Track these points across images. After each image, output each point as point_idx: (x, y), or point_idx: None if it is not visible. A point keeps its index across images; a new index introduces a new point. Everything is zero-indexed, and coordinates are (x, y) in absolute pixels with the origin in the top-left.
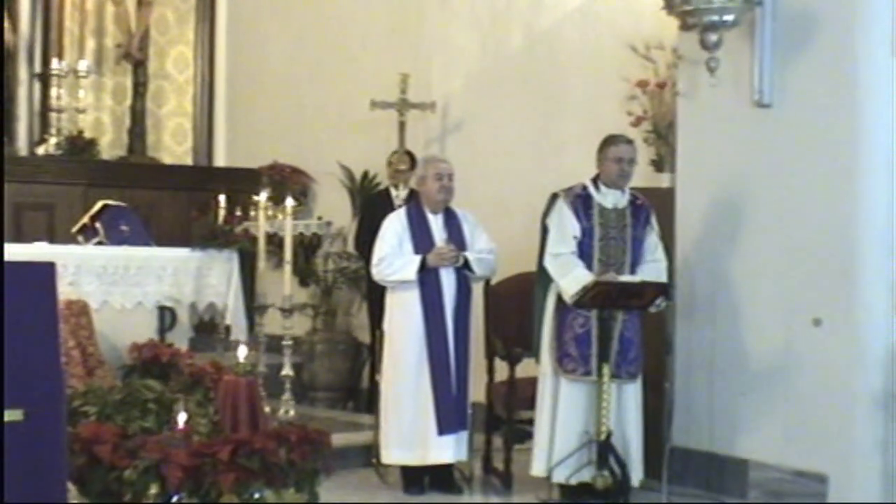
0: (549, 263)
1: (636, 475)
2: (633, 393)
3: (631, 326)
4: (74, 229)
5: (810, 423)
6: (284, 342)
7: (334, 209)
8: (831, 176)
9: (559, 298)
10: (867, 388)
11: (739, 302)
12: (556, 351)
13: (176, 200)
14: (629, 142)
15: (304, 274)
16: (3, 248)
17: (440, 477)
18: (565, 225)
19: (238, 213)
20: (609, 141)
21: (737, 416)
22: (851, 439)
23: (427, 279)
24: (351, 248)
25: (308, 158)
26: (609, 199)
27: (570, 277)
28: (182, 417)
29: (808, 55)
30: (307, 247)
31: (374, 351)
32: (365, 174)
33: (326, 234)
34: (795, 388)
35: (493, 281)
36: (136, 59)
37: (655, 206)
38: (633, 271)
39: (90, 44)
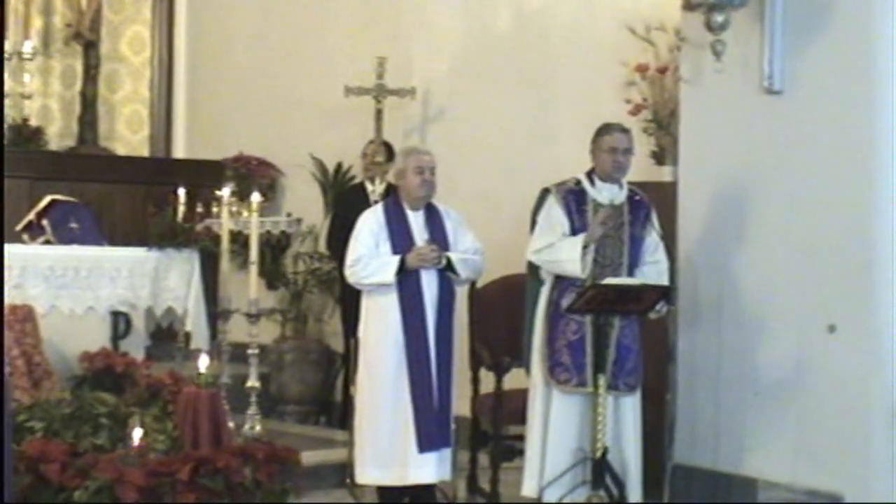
0: (536, 257)
1: (634, 496)
2: (631, 406)
3: (629, 333)
4: (19, 227)
5: (824, 439)
6: (250, 351)
7: (305, 205)
8: (847, 169)
9: (551, 302)
10: (886, 400)
11: (747, 307)
12: (547, 360)
13: (131, 195)
14: (624, 130)
15: (272, 276)
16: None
17: (421, 498)
18: (553, 223)
19: (199, 209)
20: (602, 130)
21: (744, 431)
22: (868, 456)
23: (406, 282)
24: (323, 247)
25: (276, 149)
26: (605, 194)
27: (565, 247)
28: (138, 433)
29: (822, 38)
30: (275, 246)
31: (348, 360)
32: (338, 167)
33: (296, 232)
34: (808, 400)
35: (479, 284)
36: (87, 39)
37: (656, 202)
38: (631, 273)
39: (36, 23)
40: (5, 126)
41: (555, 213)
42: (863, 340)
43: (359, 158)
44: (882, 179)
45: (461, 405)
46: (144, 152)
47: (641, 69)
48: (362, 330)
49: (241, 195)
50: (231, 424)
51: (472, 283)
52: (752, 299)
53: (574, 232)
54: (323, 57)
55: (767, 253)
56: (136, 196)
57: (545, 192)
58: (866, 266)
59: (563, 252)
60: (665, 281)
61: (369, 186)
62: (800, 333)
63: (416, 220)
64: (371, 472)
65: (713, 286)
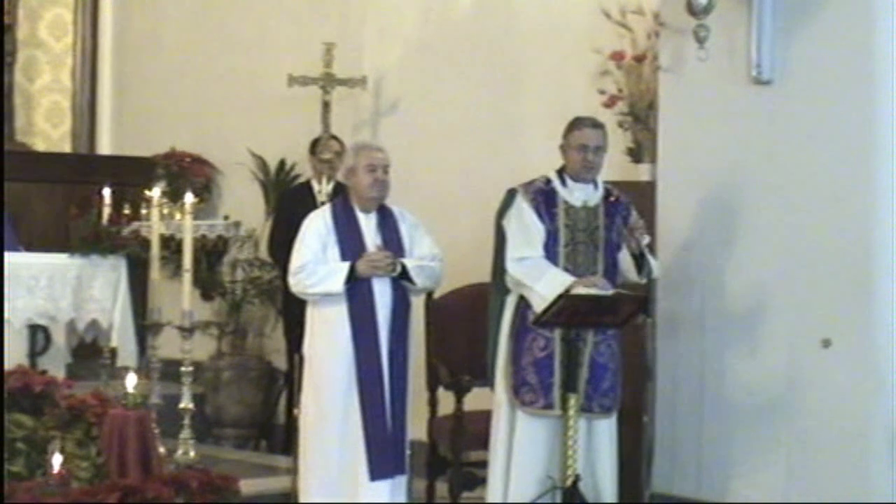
0: (514, 268)
1: None
2: (606, 430)
3: (605, 350)
4: None
5: (819, 464)
6: (183, 368)
7: (244, 207)
8: (844, 167)
9: (517, 314)
10: (886, 420)
11: (734, 319)
12: (511, 378)
13: (51, 195)
14: (597, 125)
15: (208, 285)
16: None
17: None
18: (528, 226)
19: (127, 210)
20: (572, 124)
21: (730, 456)
22: (868, 481)
23: (356, 291)
24: (264, 253)
25: (212, 145)
26: (577, 194)
27: (547, 280)
28: (58, 460)
29: (816, 22)
30: (211, 252)
31: (292, 379)
32: (281, 164)
33: (234, 236)
34: (801, 421)
35: (438, 293)
36: (2, 22)
37: (634, 204)
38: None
39: None
40: None
41: (527, 216)
42: (861, 356)
43: (304, 155)
44: (882, 179)
45: (417, 428)
46: (66, 148)
47: (617, 57)
48: (307, 345)
49: (173, 195)
50: (162, 450)
51: (430, 293)
52: (738, 311)
53: (546, 236)
54: (264, 43)
55: (756, 260)
56: (57, 197)
57: (512, 193)
58: (865, 274)
59: (539, 283)
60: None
61: (316, 186)
62: (792, 348)
63: (368, 224)
64: (318, 502)
65: (696, 296)
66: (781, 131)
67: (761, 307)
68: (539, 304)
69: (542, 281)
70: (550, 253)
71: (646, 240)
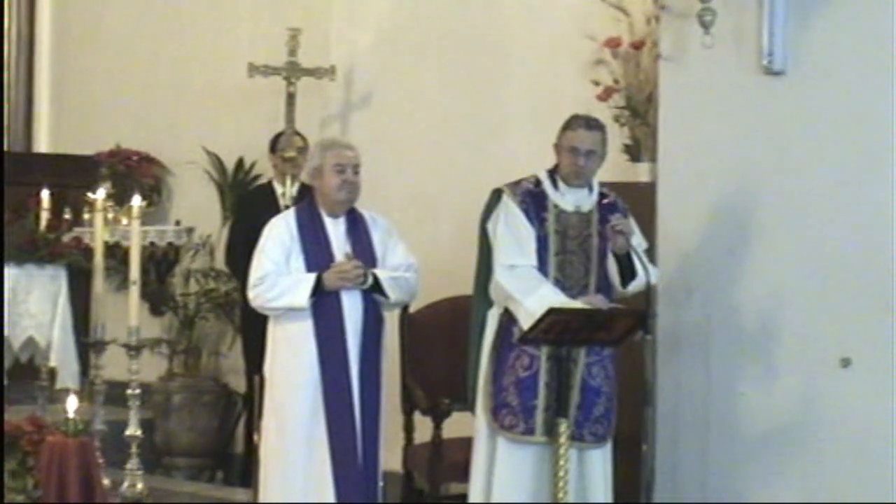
0: (504, 277)
1: None
2: (599, 460)
3: (598, 371)
4: None
5: (836, 492)
6: (130, 391)
7: (198, 211)
8: (864, 167)
9: (501, 329)
10: None
11: (743, 335)
12: (490, 399)
13: None
14: (592, 127)
15: (157, 299)
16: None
17: None
18: (519, 230)
19: (67, 215)
20: (567, 123)
21: (739, 487)
22: None
23: (323, 306)
24: (220, 263)
25: (162, 142)
26: (569, 198)
27: (538, 297)
28: None
29: (834, 6)
30: (161, 262)
31: (251, 403)
32: (239, 163)
33: (187, 244)
34: (818, 448)
35: (413, 308)
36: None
37: (629, 208)
38: (598, 293)
39: None
40: None
41: (515, 215)
42: (883, 376)
43: (265, 153)
44: None
45: (391, 458)
46: None
47: (612, 44)
48: (269, 365)
49: (119, 198)
50: (106, 482)
51: (405, 307)
52: (748, 326)
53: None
54: (221, 28)
55: (767, 269)
56: None
57: (497, 194)
58: (887, 285)
59: (530, 299)
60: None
61: (278, 188)
62: (807, 368)
63: (336, 230)
64: None
65: (700, 310)
66: (795, 127)
67: (773, 322)
68: (526, 322)
69: (533, 297)
70: (540, 261)
71: (636, 242)
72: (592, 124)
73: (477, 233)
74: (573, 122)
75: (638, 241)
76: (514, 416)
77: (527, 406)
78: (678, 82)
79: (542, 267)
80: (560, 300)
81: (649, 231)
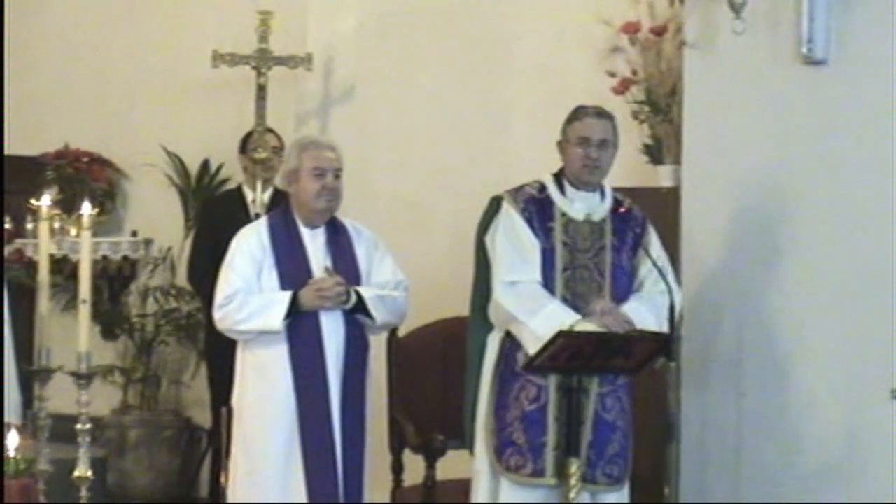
0: (504, 296)
1: None
2: None
3: (613, 404)
4: None
5: None
6: (79, 426)
7: (157, 220)
8: None
9: (503, 356)
10: None
11: (778, 363)
12: (493, 437)
13: None
14: (602, 115)
15: (111, 320)
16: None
17: None
18: (521, 241)
19: (8, 224)
20: (572, 115)
21: None
22: None
23: (300, 329)
24: (183, 279)
25: (116, 142)
26: (579, 205)
27: (545, 316)
28: None
29: None
30: (115, 278)
31: (218, 439)
32: (204, 166)
33: (145, 258)
34: (862, 487)
35: (402, 331)
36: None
37: (650, 217)
38: None
39: None
40: None
41: (518, 225)
42: None
43: (234, 154)
44: None
45: (377, 501)
46: None
47: (630, 29)
48: (237, 396)
49: (67, 205)
50: None
51: (393, 330)
52: (784, 352)
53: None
54: (182, 12)
55: (807, 287)
56: None
57: (497, 202)
58: None
59: (536, 319)
60: (666, 322)
61: (249, 193)
62: (852, 400)
63: (314, 242)
64: None
65: (731, 334)
66: (838, 124)
67: (814, 346)
68: (533, 346)
69: (539, 316)
70: (545, 278)
71: (656, 255)
72: (602, 112)
73: (474, 245)
74: (579, 112)
75: (658, 254)
76: (521, 455)
77: (535, 444)
78: (705, 73)
79: (548, 284)
80: (571, 319)
81: (672, 243)
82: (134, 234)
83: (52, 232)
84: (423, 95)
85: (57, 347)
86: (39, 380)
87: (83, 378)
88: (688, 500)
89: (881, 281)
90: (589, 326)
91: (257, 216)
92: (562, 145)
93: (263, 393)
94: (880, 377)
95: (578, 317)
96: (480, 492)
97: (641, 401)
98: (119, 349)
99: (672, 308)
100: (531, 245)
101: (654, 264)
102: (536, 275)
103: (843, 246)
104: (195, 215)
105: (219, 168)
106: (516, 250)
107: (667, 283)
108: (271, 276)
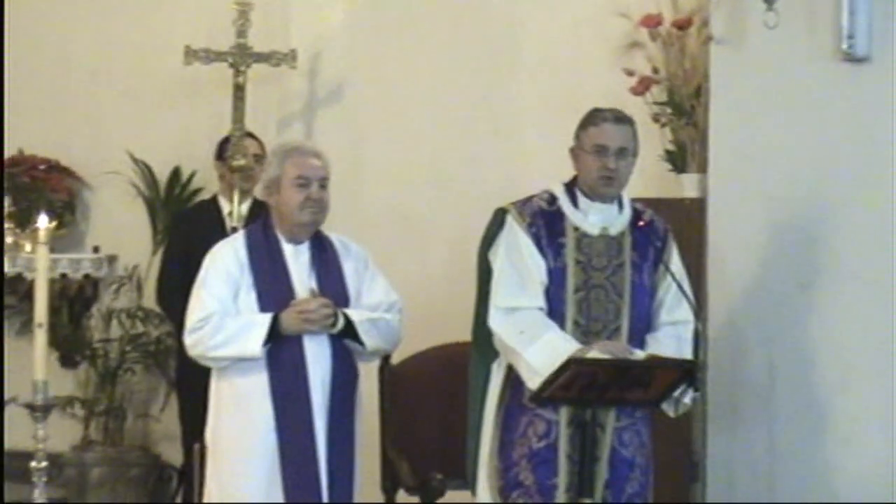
0: (499, 323)
1: None
2: None
3: (632, 439)
4: None
5: None
6: (35, 463)
7: (122, 234)
8: None
9: (508, 386)
10: None
11: (815, 394)
12: (499, 477)
13: None
14: (621, 120)
15: (70, 346)
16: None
17: None
18: (524, 261)
19: None
20: (587, 119)
21: None
22: None
23: (281, 355)
24: (151, 301)
25: (77, 147)
26: (594, 218)
27: (543, 346)
28: None
29: None
30: (75, 299)
31: (190, 478)
32: (175, 174)
33: (108, 276)
34: None
35: (396, 358)
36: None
37: (674, 231)
38: (633, 343)
39: None
40: None
41: (522, 242)
42: None
43: (209, 161)
44: None
45: None
46: None
47: (651, 23)
48: (212, 431)
49: (22, 218)
50: None
51: (386, 358)
52: (823, 383)
53: (549, 276)
54: (152, 4)
55: (848, 310)
56: None
57: (501, 215)
58: None
59: (531, 349)
60: (688, 353)
61: (225, 205)
62: None
63: (298, 259)
64: None
65: (762, 363)
66: (882, 127)
67: (855, 378)
68: (530, 380)
69: (535, 346)
70: (555, 300)
71: (676, 269)
72: (621, 117)
73: (476, 263)
74: (595, 117)
75: (678, 270)
76: (530, 497)
77: (544, 485)
78: (734, 71)
79: (559, 307)
80: (571, 349)
81: (697, 261)
82: (96, 249)
83: (6, 248)
84: (419, 95)
85: (10, 376)
86: None
87: (39, 410)
88: None
89: None
90: (593, 355)
91: (234, 230)
92: (575, 153)
93: (241, 427)
94: None
95: (579, 346)
96: None
97: (662, 435)
98: (80, 378)
99: (697, 333)
100: (535, 266)
101: (675, 279)
102: (539, 300)
103: (890, 264)
104: (165, 229)
105: (191, 176)
106: (517, 273)
107: (689, 302)
108: (249, 297)
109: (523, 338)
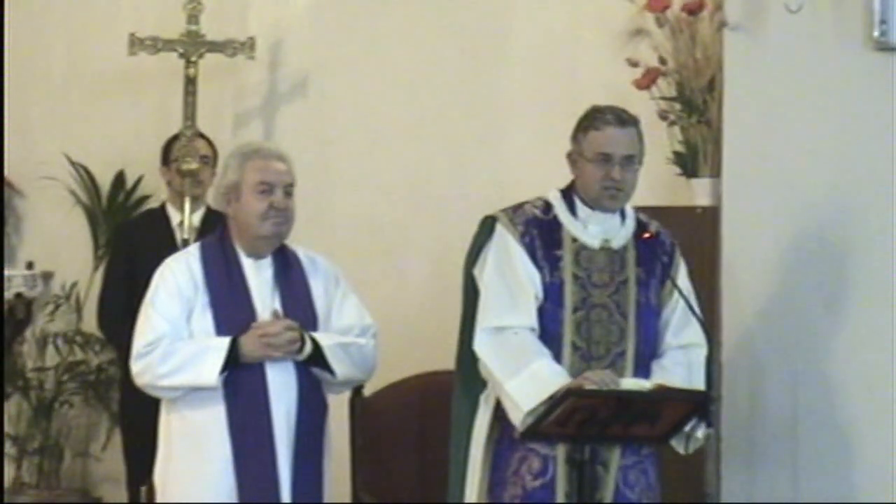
0: (483, 345)
1: None
2: None
3: (638, 478)
4: None
5: None
6: None
7: (59, 248)
8: None
9: (497, 419)
10: None
11: (843, 430)
12: None
13: None
14: (625, 121)
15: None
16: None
17: None
18: (517, 274)
19: None
20: (587, 121)
21: None
22: None
23: (241, 384)
24: (92, 323)
25: (7, 150)
26: (594, 228)
27: (526, 377)
28: None
29: None
30: (6, 321)
31: None
32: (118, 179)
33: (43, 295)
34: None
35: (369, 388)
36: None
37: (683, 242)
38: (639, 369)
39: None
40: None
41: (514, 253)
42: None
43: (156, 164)
44: None
45: None
46: None
47: (657, 7)
48: (160, 470)
49: None
50: None
51: (358, 388)
52: (850, 416)
53: (544, 292)
54: None
55: (880, 332)
56: None
57: (490, 223)
58: None
59: (514, 380)
60: (700, 382)
61: (175, 214)
62: None
63: (259, 276)
64: None
65: (782, 393)
66: None
67: (887, 410)
68: (514, 416)
69: (520, 377)
70: (551, 321)
71: (683, 283)
72: (625, 118)
73: (461, 280)
74: (597, 119)
75: (685, 285)
76: None
77: None
78: (751, 62)
79: (556, 327)
80: (560, 381)
81: (710, 277)
82: (30, 265)
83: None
84: (394, 90)
85: None
86: None
87: None
88: None
89: None
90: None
91: (185, 243)
92: (573, 158)
93: (194, 466)
94: None
95: (569, 379)
96: None
97: (672, 475)
98: (11, 412)
99: (709, 359)
100: (528, 281)
101: (682, 295)
102: (530, 319)
103: None
104: (107, 242)
105: (137, 182)
106: (507, 287)
107: (700, 322)
108: (204, 318)
109: (507, 367)
